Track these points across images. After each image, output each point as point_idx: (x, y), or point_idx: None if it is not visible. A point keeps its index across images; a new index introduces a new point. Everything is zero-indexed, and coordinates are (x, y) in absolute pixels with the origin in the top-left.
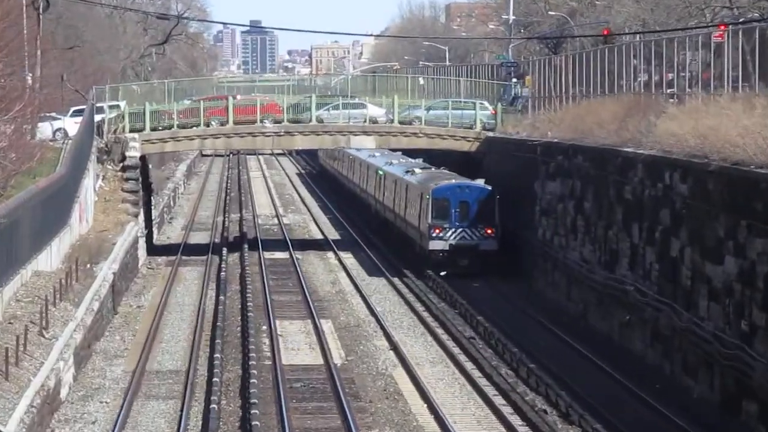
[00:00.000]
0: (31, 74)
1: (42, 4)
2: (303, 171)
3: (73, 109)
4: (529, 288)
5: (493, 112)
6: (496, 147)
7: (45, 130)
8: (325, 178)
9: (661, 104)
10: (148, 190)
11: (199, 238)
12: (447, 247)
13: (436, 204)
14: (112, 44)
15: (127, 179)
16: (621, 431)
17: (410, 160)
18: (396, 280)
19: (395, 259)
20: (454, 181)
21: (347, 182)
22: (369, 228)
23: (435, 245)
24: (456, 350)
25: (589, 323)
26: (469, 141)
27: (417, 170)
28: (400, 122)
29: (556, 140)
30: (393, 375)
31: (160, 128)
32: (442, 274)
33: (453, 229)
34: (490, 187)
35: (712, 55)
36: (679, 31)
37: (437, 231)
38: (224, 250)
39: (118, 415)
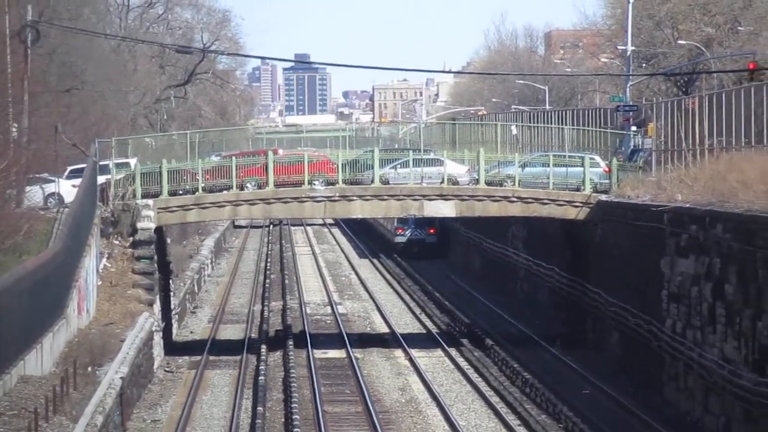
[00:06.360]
0: (16, 125)
1: (30, 36)
2: (362, 246)
3: (70, 168)
4: (655, 396)
5: (607, 170)
6: (611, 214)
7: (34, 195)
8: (391, 255)
9: None
10: (165, 271)
11: (230, 332)
12: (405, 241)
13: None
14: (120, 86)
15: (138, 258)
16: None
17: None
18: (483, 386)
19: (484, 357)
20: None
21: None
22: (451, 318)
23: (398, 239)
24: None
25: None
26: (575, 206)
27: None
28: (488, 183)
29: (687, 205)
30: None
31: (180, 192)
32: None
33: (410, 230)
34: None
35: None
36: None
37: (400, 231)
38: (263, 348)
39: None
